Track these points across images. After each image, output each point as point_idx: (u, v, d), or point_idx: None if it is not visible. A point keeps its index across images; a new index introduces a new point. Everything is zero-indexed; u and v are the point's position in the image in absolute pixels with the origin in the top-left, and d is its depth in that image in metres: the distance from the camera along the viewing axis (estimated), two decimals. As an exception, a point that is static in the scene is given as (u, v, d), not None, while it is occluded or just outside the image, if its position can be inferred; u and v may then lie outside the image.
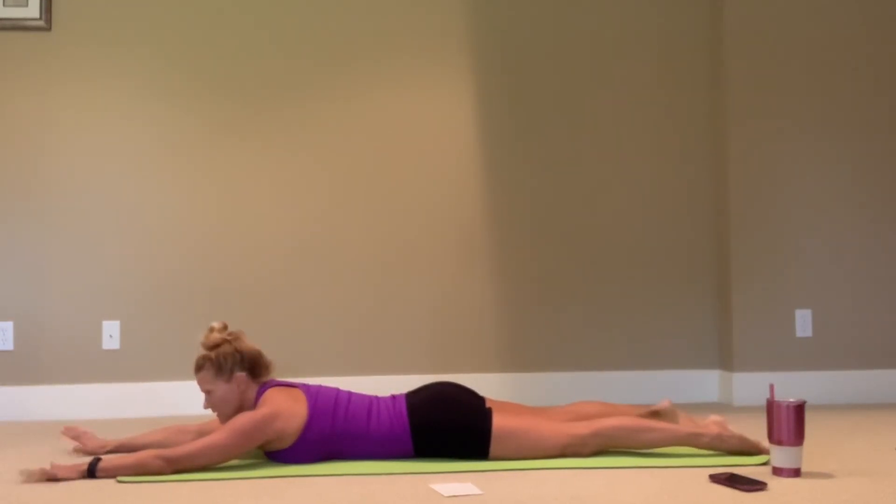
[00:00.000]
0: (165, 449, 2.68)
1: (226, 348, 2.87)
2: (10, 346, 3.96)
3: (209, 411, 3.74)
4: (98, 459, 2.64)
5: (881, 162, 4.25)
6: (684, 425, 2.92)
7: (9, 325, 3.96)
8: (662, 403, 3.07)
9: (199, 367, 2.87)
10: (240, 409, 2.86)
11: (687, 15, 4.38)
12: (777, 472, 2.58)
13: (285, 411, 2.76)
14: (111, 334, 4.01)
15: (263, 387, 2.89)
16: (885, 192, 4.24)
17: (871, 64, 4.26)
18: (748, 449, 2.81)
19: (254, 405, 2.85)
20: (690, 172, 4.34)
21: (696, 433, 2.82)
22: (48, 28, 4.05)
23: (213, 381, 2.84)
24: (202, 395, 2.93)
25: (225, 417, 2.86)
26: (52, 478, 2.60)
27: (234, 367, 2.85)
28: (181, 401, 3.95)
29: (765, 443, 2.83)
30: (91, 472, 2.62)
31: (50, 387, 3.96)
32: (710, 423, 2.89)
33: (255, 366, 2.90)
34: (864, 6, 4.27)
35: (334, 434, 2.81)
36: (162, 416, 3.93)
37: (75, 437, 3.05)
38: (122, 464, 2.63)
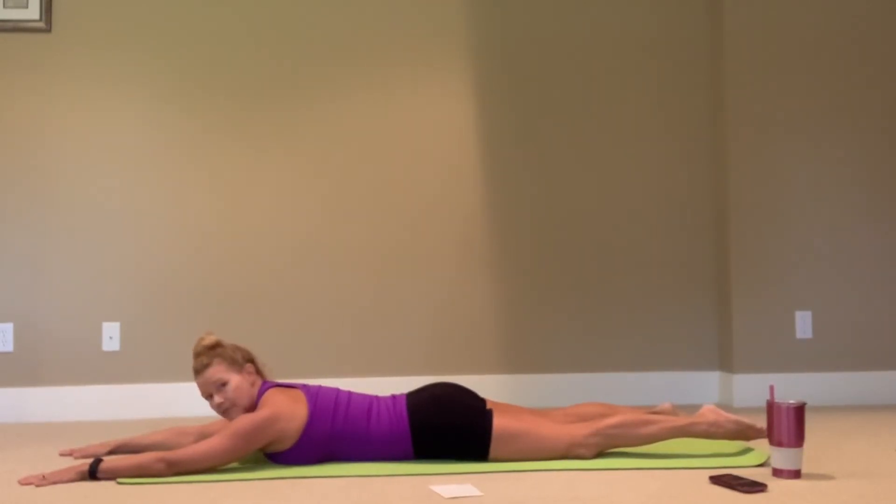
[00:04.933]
0: (167, 451, 2.68)
1: (227, 345, 2.90)
2: (9, 347, 3.96)
3: (211, 413, 3.72)
4: (99, 460, 2.63)
5: (881, 164, 4.25)
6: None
7: (9, 327, 3.96)
8: (664, 406, 3.08)
9: (205, 366, 2.84)
10: (251, 403, 2.86)
11: (686, 18, 4.38)
12: (777, 473, 2.58)
13: (286, 412, 2.76)
14: (111, 336, 4.01)
15: (263, 387, 2.89)
16: (885, 194, 4.25)
17: (871, 66, 4.27)
18: (745, 431, 2.82)
19: (254, 406, 2.85)
20: (691, 173, 4.35)
21: (693, 422, 2.83)
22: (48, 30, 4.06)
23: (227, 371, 2.84)
24: (205, 401, 2.91)
25: (240, 410, 2.82)
26: (50, 484, 2.60)
27: (242, 358, 2.88)
28: (181, 402, 3.95)
29: (760, 424, 2.85)
30: (92, 474, 2.62)
31: (50, 388, 3.96)
32: (705, 412, 2.90)
33: (255, 362, 2.96)
34: (864, 8, 4.27)
35: (334, 435, 2.81)
36: (162, 417, 3.93)
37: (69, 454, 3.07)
38: (122, 465, 2.64)
